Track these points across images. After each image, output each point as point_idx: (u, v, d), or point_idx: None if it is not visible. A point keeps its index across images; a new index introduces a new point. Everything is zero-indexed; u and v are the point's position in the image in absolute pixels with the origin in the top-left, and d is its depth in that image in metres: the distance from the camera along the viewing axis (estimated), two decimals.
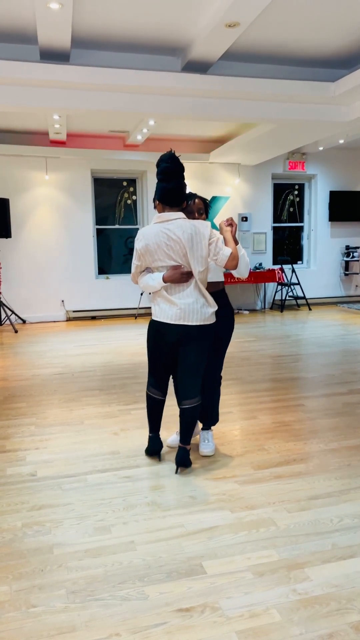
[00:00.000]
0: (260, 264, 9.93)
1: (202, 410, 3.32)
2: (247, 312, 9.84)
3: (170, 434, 3.69)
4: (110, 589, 2.04)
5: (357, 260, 10.49)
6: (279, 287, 10.31)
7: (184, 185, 2.96)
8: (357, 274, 10.71)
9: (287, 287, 10.22)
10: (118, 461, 3.23)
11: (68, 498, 2.78)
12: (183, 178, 2.96)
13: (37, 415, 4.13)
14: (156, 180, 9.21)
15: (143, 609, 1.92)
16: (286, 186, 10.47)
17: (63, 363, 5.93)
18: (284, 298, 10.00)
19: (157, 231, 2.91)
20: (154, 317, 3.05)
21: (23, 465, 3.20)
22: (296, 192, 10.55)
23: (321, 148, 9.46)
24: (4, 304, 8.49)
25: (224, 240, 2.97)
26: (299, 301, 10.53)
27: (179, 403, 3.06)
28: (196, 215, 3.10)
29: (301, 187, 10.55)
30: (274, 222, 10.40)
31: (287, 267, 10.17)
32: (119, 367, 5.70)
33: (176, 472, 3.05)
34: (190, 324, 2.93)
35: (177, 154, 2.99)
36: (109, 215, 9.60)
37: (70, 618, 1.89)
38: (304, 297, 9.95)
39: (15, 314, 8.78)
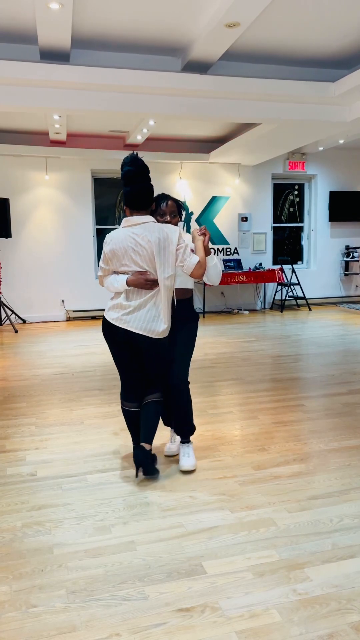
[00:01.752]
0: (260, 264, 9.93)
1: (175, 421, 3.16)
2: (247, 312, 9.84)
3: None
4: (110, 589, 2.04)
5: (357, 260, 10.49)
6: (279, 287, 10.31)
7: (150, 188, 2.88)
8: (357, 274, 10.71)
9: (287, 287, 10.22)
10: (118, 461, 3.23)
11: (68, 498, 2.78)
12: (148, 180, 2.88)
13: (37, 415, 4.13)
14: (155, 180, 9.23)
15: (143, 609, 1.92)
16: (286, 186, 10.47)
17: (63, 363, 5.93)
18: (284, 298, 10.00)
19: (125, 235, 2.84)
20: (106, 315, 2.94)
21: (23, 465, 3.20)
22: (296, 192, 10.55)
23: (321, 148, 9.46)
24: (4, 304, 8.49)
25: (194, 248, 2.94)
26: (299, 301, 10.53)
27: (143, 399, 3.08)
28: (169, 217, 3.02)
29: (301, 187, 10.55)
30: (274, 222, 10.40)
31: (287, 267, 10.17)
32: None
33: (136, 477, 2.99)
34: (133, 330, 2.84)
35: (140, 156, 2.91)
36: (109, 215, 9.59)
37: (70, 618, 1.89)
38: (304, 297, 9.95)
39: (16, 314, 8.78)
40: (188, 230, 9.71)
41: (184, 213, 3.13)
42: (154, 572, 2.14)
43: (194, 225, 9.75)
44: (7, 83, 5.25)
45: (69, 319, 9.32)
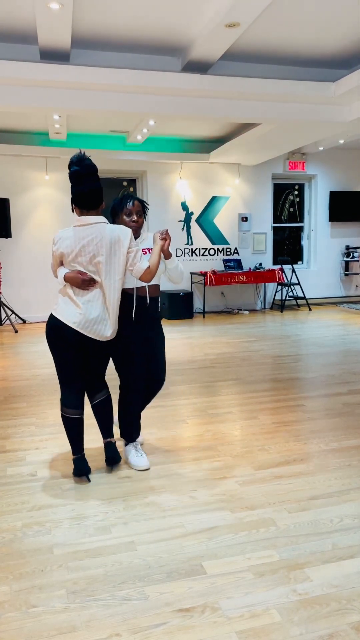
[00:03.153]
0: (260, 264, 9.93)
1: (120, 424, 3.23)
2: (247, 312, 9.84)
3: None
4: (111, 589, 2.04)
5: (357, 261, 10.49)
6: (279, 287, 10.31)
7: (99, 188, 2.85)
8: (357, 274, 10.71)
9: (287, 287, 10.22)
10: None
11: (68, 498, 2.78)
12: (97, 180, 2.84)
13: (37, 415, 4.13)
14: (151, 181, 9.24)
15: (143, 609, 1.92)
16: (286, 186, 10.47)
17: None
18: (284, 298, 10.00)
19: (75, 235, 2.82)
20: (54, 312, 2.87)
21: (23, 465, 3.20)
22: (296, 192, 10.56)
23: (321, 148, 9.46)
24: (4, 304, 8.49)
25: (154, 251, 2.94)
26: (299, 301, 10.53)
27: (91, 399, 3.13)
28: (135, 217, 3.02)
29: (301, 187, 10.55)
30: (274, 222, 10.40)
31: (287, 267, 10.17)
32: None
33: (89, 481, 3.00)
34: (87, 334, 2.84)
35: (87, 154, 2.89)
36: (109, 216, 9.57)
37: (70, 618, 1.89)
38: (304, 297, 9.95)
39: (16, 314, 8.78)
40: (188, 231, 9.71)
41: (147, 214, 3.14)
42: (154, 572, 2.14)
43: (194, 225, 9.75)
44: (7, 83, 5.25)
45: None
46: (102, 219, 2.87)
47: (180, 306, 9.15)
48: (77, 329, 2.81)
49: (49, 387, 4.96)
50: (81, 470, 2.95)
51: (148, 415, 4.08)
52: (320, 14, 4.56)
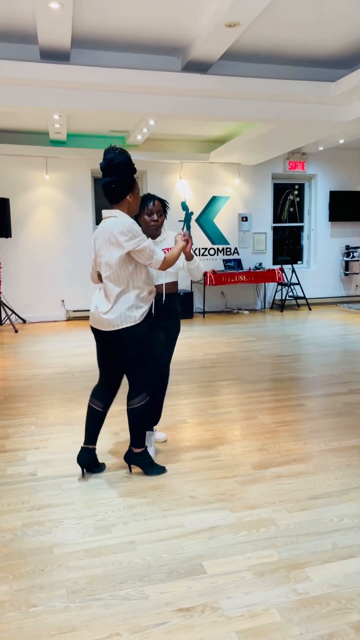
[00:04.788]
0: (260, 264, 9.93)
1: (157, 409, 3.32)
2: (247, 312, 9.85)
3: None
4: (111, 589, 2.04)
5: (357, 260, 10.49)
6: (279, 287, 10.31)
7: (110, 181, 2.84)
8: (357, 274, 10.71)
9: (287, 287, 10.22)
10: (118, 461, 3.23)
11: (68, 498, 2.78)
12: (115, 175, 2.83)
13: (37, 415, 4.13)
14: (152, 181, 9.23)
15: (143, 609, 1.93)
16: (286, 186, 10.47)
17: (63, 363, 5.93)
18: (284, 298, 10.00)
19: (98, 227, 2.97)
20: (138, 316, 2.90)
21: (23, 465, 3.20)
22: (296, 192, 10.55)
23: (321, 148, 9.46)
24: (4, 304, 8.49)
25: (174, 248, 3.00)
26: (299, 301, 10.52)
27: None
28: (156, 216, 3.11)
29: (301, 187, 10.55)
30: (274, 222, 10.40)
31: (287, 267, 10.17)
32: None
33: (83, 476, 3.04)
34: (95, 326, 2.94)
35: (116, 147, 2.91)
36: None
37: (70, 618, 1.89)
38: (304, 297, 9.95)
39: (16, 314, 8.78)
40: (188, 231, 9.70)
41: (168, 212, 3.24)
42: (154, 572, 2.14)
43: (194, 225, 9.75)
44: (7, 83, 5.25)
45: (69, 319, 9.32)
46: (115, 212, 2.89)
47: (181, 306, 9.13)
48: (90, 323, 2.97)
49: (49, 387, 4.96)
50: (79, 459, 3.03)
51: None
52: (320, 14, 4.56)
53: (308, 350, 6.38)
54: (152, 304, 3.10)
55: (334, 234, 10.52)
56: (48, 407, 4.35)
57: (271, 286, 10.36)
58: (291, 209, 10.58)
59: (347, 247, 10.49)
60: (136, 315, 2.85)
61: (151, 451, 3.26)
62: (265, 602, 1.95)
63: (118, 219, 2.84)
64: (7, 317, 8.58)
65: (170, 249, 3.13)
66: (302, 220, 10.64)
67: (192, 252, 3.11)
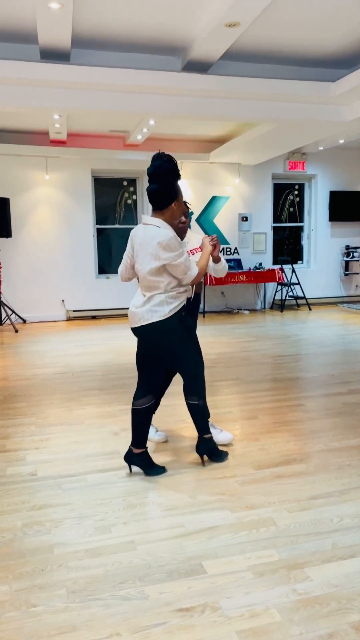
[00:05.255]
0: (260, 264, 9.93)
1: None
2: (247, 312, 9.85)
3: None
4: (111, 589, 2.04)
5: (357, 260, 10.49)
6: (279, 287, 10.31)
7: (157, 190, 2.87)
8: (357, 274, 10.71)
9: (287, 287, 10.22)
10: (118, 461, 3.23)
11: (68, 498, 2.78)
12: (160, 181, 2.86)
13: (37, 415, 4.13)
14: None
15: (143, 609, 1.93)
16: (286, 186, 10.46)
17: (63, 363, 5.93)
18: (284, 298, 10.00)
19: (137, 232, 2.99)
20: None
21: (23, 465, 3.20)
22: (296, 192, 10.55)
23: (321, 148, 9.46)
24: (4, 304, 8.49)
25: (201, 253, 3.06)
26: (299, 301, 10.52)
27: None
28: (184, 218, 3.21)
29: (301, 187, 10.55)
30: (274, 222, 10.40)
31: (287, 267, 10.17)
32: (119, 366, 5.70)
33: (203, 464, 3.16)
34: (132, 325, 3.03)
35: (164, 154, 2.94)
36: (109, 215, 9.59)
37: (70, 618, 1.89)
38: (304, 297, 9.95)
39: (16, 314, 8.78)
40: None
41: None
42: (154, 572, 2.14)
43: (194, 225, 9.75)
44: (7, 83, 5.25)
45: (69, 319, 9.32)
46: (158, 221, 2.90)
47: None
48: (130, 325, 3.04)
49: (49, 387, 4.96)
50: (198, 449, 3.15)
51: None
52: (320, 14, 4.56)
53: (308, 350, 6.38)
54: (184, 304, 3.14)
55: (334, 234, 10.52)
56: (48, 407, 4.35)
57: (271, 286, 10.36)
58: (291, 209, 10.58)
59: (347, 247, 10.49)
60: (165, 311, 2.89)
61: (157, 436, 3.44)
62: (265, 602, 1.95)
63: (160, 230, 2.86)
64: (7, 317, 8.58)
65: (195, 250, 3.23)
66: (302, 220, 10.64)
67: (219, 255, 3.18)
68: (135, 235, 2.99)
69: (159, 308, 2.88)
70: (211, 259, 3.14)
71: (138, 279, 3.03)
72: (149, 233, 2.89)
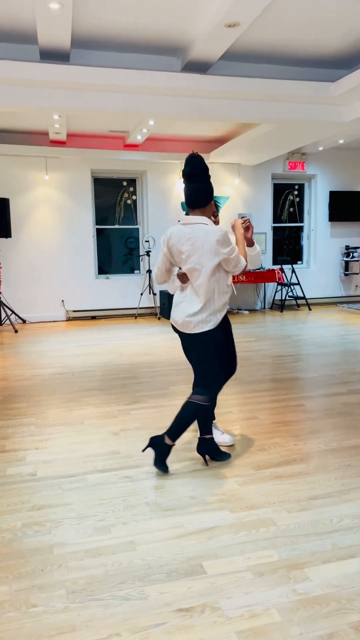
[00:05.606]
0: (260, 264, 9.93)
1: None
2: (247, 312, 9.84)
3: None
4: (110, 589, 2.04)
5: (357, 260, 10.49)
6: (279, 287, 10.31)
7: (202, 188, 2.92)
8: (357, 274, 10.71)
9: (287, 287, 10.22)
10: (118, 461, 3.23)
11: (68, 498, 2.78)
12: (203, 180, 2.92)
13: (37, 415, 4.13)
14: (151, 181, 9.24)
15: (143, 609, 1.92)
16: (286, 186, 10.47)
17: (63, 363, 5.93)
18: (283, 298, 10.00)
19: (177, 233, 2.96)
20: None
21: (23, 465, 3.20)
22: (296, 192, 10.56)
23: (321, 148, 9.46)
24: (4, 304, 8.49)
25: (235, 239, 3.09)
26: (299, 301, 10.53)
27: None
28: (216, 213, 3.25)
29: (301, 187, 10.55)
30: (274, 222, 10.40)
31: (287, 267, 10.17)
32: (119, 367, 5.70)
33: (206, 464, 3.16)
34: (183, 330, 3.07)
35: (198, 154, 2.99)
36: (109, 215, 9.59)
37: (70, 618, 1.89)
38: (303, 297, 9.95)
39: (15, 314, 8.78)
40: None
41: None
42: (154, 572, 2.14)
43: None
44: (7, 83, 5.25)
45: (69, 319, 9.32)
46: (203, 219, 2.94)
47: None
48: (172, 324, 3.07)
49: (49, 387, 4.96)
50: (198, 449, 3.16)
51: (148, 415, 4.09)
52: (320, 14, 4.56)
53: (308, 350, 6.38)
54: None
55: (333, 234, 10.53)
56: (48, 407, 4.35)
57: (271, 286, 10.36)
58: (291, 209, 10.58)
59: (347, 247, 10.49)
60: (217, 320, 2.98)
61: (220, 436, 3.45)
62: (265, 602, 1.95)
63: (210, 227, 2.92)
64: (7, 317, 8.58)
65: None
66: (302, 221, 10.64)
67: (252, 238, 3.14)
68: (175, 238, 2.95)
69: (213, 318, 2.96)
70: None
71: (178, 281, 3.03)
72: (199, 232, 2.90)
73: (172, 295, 8.97)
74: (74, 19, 4.59)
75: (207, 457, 3.19)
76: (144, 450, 3.08)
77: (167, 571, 2.14)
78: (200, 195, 2.92)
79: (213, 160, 9.38)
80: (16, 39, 5.02)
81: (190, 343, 3.04)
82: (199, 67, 5.36)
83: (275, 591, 2.01)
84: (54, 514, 2.62)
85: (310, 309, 9.98)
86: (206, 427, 3.14)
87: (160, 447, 3.03)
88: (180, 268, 3.05)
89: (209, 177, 2.95)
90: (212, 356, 3.02)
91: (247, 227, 3.09)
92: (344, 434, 3.62)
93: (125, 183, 9.62)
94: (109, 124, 7.79)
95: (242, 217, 3.11)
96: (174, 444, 3.03)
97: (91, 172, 9.19)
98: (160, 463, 3.05)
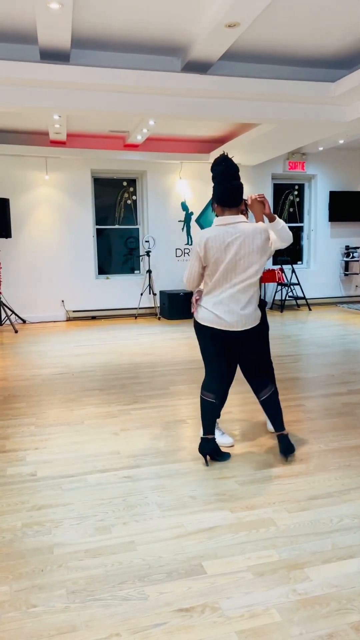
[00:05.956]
0: None
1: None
2: None
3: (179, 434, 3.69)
4: (110, 589, 2.04)
5: (357, 261, 10.49)
6: (279, 287, 10.31)
7: (241, 186, 2.98)
8: (357, 274, 10.71)
9: (287, 288, 10.22)
10: (118, 461, 3.23)
11: (68, 498, 2.78)
12: (238, 178, 2.98)
13: (37, 415, 4.13)
14: (151, 181, 9.24)
15: (143, 609, 1.92)
16: (286, 186, 10.47)
17: (63, 363, 5.93)
18: (283, 298, 10.00)
19: (218, 235, 2.94)
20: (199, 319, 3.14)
21: (23, 465, 3.20)
22: (296, 193, 10.55)
23: (321, 148, 9.46)
24: (4, 304, 8.49)
25: (254, 214, 3.17)
26: (299, 301, 10.53)
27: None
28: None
29: (301, 187, 10.55)
30: None
31: (287, 267, 10.17)
32: (119, 367, 5.70)
33: (206, 465, 3.17)
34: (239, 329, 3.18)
35: (230, 156, 3.05)
36: (109, 215, 9.60)
37: (70, 618, 1.89)
38: (303, 297, 9.95)
39: (16, 314, 8.78)
40: (188, 231, 9.71)
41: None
42: (154, 572, 2.14)
43: (194, 225, 9.75)
44: (7, 83, 5.25)
45: (69, 319, 9.32)
46: (242, 217, 2.98)
47: (180, 306, 9.15)
48: (220, 327, 3.03)
49: (49, 387, 4.96)
50: (201, 449, 3.17)
51: (148, 415, 4.09)
52: (320, 14, 4.56)
53: (308, 350, 6.38)
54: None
55: (333, 234, 10.52)
56: (48, 407, 4.35)
57: (271, 286, 10.35)
58: (291, 209, 10.58)
59: (347, 247, 10.49)
60: (259, 313, 3.11)
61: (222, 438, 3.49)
62: (265, 602, 1.95)
63: (256, 225, 3.00)
64: (7, 317, 8.58)
65: None
66: (302, 221, 10.64)
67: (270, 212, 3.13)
68: (217, 239, 2.92)
69: (257, 312, 3.08)
70: (266, 220, 3.14)
71: (212, 281, 3.03)
72: (246, 230, 2.93)
73: (172, 295, 9.00)
74: (74, 19, 4.59)
75: (207, 457, 3.19)
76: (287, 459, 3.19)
77: (167, 571, 2.14)
78: (238, 195, 2.97)
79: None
80: (16, 39, 5.02)
81: (243, 340, 3.08)
82: (199, 67, 5.36)
83: (275, 591, 2.01)
84: (54, 514, 2.62)
85: (310, 309, 9.98)
86: (211, 427, 3.16)
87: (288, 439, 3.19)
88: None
89: (239, 177, 3.05)
90: (268, 345, 3.31)
91: (262, 202, 3.09)
92: (344, 434, 3.62)
93: (125, 183, 9.62)
94: (109, 124, 7.79)
95: (256, 194, 3.13)
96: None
97: (91, 172, 9.19)
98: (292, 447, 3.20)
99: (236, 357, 3.19)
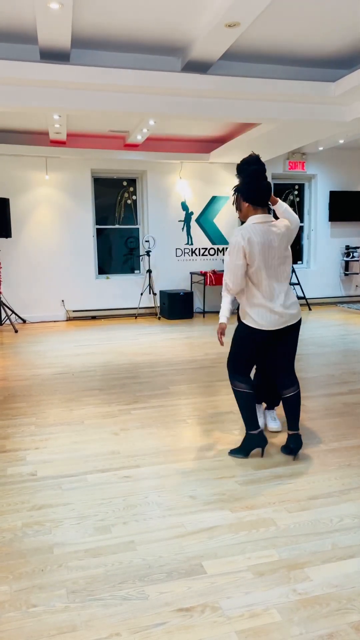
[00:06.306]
0: None
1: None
2: None
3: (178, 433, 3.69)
4: (110, 589, 2.04)
5: (357, 260, 10.49)
6: None
7: (269, 187, 3.07)
8: (357, 274, 10.71)
9: None
10: (118, 461, 3.23)
11: (68, 498, 2.78)
12: (266, 180, 3.08)
13: (37, 415, 4.13)
14: (151, 181, 9.24)
15: (143, 609, 1.93)
16: (286, 186, 10.47)
17: (63, 363, 5.93)
18: None
19: (265, 231, 3.02)
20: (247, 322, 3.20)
21: (23, 465, 3.20)
22: (296, 192, 10.55)
23: (321, 148, 9.46)
24: (4, 304, 8.49)
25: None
26: (299, 301, 10.52)
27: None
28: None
29: (301, 187, 10.55)
30: None
31: None
32: (119, 367, 5.70)
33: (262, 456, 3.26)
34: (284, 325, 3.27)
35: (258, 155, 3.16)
36: (109, 215, 9.59)
37: (70, 618, 1.89)
38: (304, 297, 9.95)
39: (16, 314, 8.78)
40: (188, 231, 9.71)
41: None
42: (154, 572, 2.14)
43: (194, 225, 9.75)
44: (7, 83, 5.25)
45: (69, 319, 9.32)
46: (271, 216, 3.11)
47: (180, 306, 9.15)
48: (270, 327, 3.08)
49: (49, 387, 4.96)
50: (259, 444, 3.22)
51: (148, 414, 4.09)
52: (320, 14, 4.56)
53: (308, 350, 6.37)
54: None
55: (334, 234, 10.52)
56: (48, 407, 4.35)
57: None
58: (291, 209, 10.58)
59: (347, 247, 10.49)
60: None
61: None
62: (265, 602, 1.95)
63: (280, 221, 3.13)
64: (7, 317, 8.58)
65: None
66: (302, 221, 10.64)
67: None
68: (261, 238, 3.00)
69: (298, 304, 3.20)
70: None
71: (255, 279, 3.07)
72: (279, 226, 3.08)
73: (172, 295, 9.01)
74: (74, 19, 4.59)
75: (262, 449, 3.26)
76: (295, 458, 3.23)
77: (167, 571, 2.14)
78: (270, 194, 3.08)
79: (213, 160, 9.38)
80: (16, 39, 5.02)
81: (288, 334, 3.14)
82: (199, 67, 5.36)
83: (276, 591, 2.01)
84: (54, 514, 2.62)
85: (310, 309, 9.98)
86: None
87: (297, 439, 3.23)
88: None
89: None
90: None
91: None
92: (344, 434, 3.62)
93: (125, 183, 9.61)
94: (109, 124, 7.79)
95: None
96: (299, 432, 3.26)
97: (91, 172, 9.19)
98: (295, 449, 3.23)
99: (271, 354, 3.23)
